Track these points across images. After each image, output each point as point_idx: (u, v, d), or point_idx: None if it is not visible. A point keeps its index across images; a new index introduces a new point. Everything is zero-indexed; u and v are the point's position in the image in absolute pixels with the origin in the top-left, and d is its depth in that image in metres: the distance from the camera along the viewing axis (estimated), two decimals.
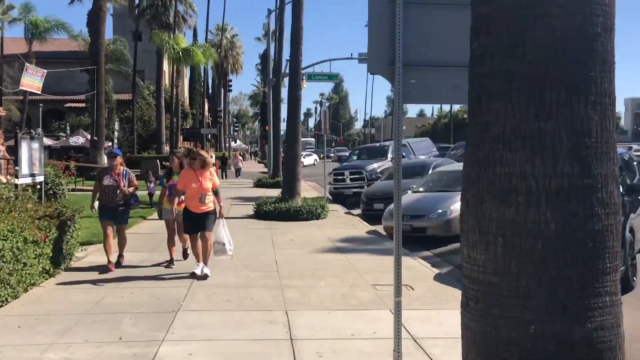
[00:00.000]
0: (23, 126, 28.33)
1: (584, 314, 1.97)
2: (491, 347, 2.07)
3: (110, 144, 30.32)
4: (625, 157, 9.10)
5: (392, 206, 11.78)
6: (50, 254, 6.89)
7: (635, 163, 9.35)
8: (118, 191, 7.49)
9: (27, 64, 20.87)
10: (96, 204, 7.61)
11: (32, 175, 9.74)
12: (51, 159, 22.44)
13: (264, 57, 49.34)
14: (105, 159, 18.11)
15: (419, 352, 4.61)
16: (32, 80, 19.52)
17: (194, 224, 7.15)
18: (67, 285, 6.74)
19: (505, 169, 2.02)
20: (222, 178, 30.30)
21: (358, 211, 14.90)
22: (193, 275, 7.06)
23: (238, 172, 32.21)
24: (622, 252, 6.15)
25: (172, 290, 6.56)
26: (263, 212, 13.46)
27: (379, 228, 11.67)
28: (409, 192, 12.84)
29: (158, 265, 7.88)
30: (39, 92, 20.20)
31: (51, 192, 11.93)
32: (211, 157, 19.37)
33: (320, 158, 49.39)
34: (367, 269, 7.74)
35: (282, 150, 26.66)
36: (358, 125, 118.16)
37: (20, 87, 20.50)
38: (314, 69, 27.40)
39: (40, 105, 28.15)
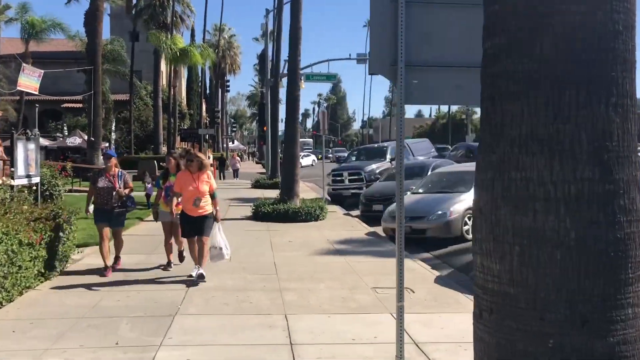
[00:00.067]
0: (19, 126, 28.18)
1: (606, 327, 1.88)
2: None
3: (107, 144, 30.19)
4: None
5: (391, 207, 11.75)
6: (46, 257, 6.79)
7: None
8: (114, 193, 7.35)
9: (24, 64, 20.75)
10: (91, 207, 7.49)
11: (28, 176, 9.62)
12: (48, 159, 22.32)
13: (262, 57, 49.22)
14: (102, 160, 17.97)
15: (421, 357, 4.54)
16: (29, 80, 19.40)
17: (191, 228, 7.03)
18: (62, 288, 6.63)
19: (522, 173, 1.93)
20: (220, 179, 30.20)
21: (357, 212, 14.83)
22: (190, 278, 6.96)
23: (236, 172, 32.10)
24: None
25: (169, 293, 6.47)
26: (261, 214, 13.37)
27: (378, 229, 11.60)
28: (409, 193, 12.76)
29: (155, 268, 7.79)
30: (36, 93, 20.07)
31: (47, 193, 11.81)
32: (209, 158, 19.16)
33: (318, 159, 49.34)
34: (366, 271, 7.66)
35: (280, 151, 26.62)
36: (356, 125, 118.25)
37: (18, 88, 20.37)
38: (312, 69, 27.35)
39: (37, 105, 27.97)
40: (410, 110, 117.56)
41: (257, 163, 55.79)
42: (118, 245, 7.72)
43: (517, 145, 1.95)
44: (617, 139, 1.91)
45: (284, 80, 25.63)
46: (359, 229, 12.10)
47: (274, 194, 16.89)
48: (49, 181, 12.16)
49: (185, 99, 53.30)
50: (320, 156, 49.41)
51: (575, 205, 1.88)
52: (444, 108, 60.99)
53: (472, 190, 9.58)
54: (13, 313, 5.61)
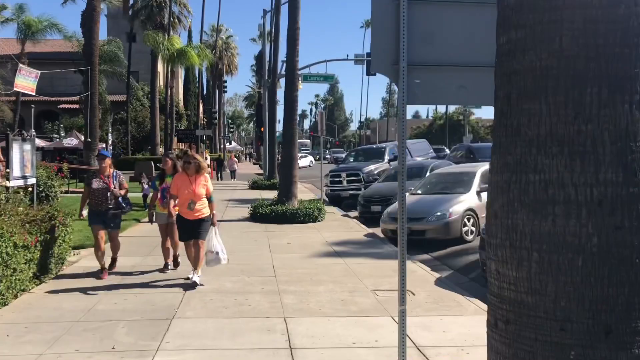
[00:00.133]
0: (15, 127, 28.02)
1: (631, 339, 1.79)
2: None
3: (104, 145, 30.04)
4: None
5: (390, 208, 11.70)
6: (42, 259, 6.69)
7: None
8: (108, 194, 7.21)
9: (20, 65, 20.62)
10: (85, 212, 7.34)
11: (24, 177, 9.53)
12: (44, 160, 22.17)
13: (259, 58, 49.18)
14: None
15: None
16: (26, 81, 19.28)
17: (188, 231, 6.91)
18: (58, 291, 6.53)
19: (541, 176, 1.84)
20: (218, 179, 30.11)
21: (355, 213, 14.77)
22: (187, 281, 6.87)
23: (233, 173, 32.02)
24: None
25: (166, 296, 6.38)
26: (259, 215, 13.29)
27: (377, 231, 11.53)
28: (407, 194, 12.70)
29: (152, 270, 7.69)
30: (33, 94, 19.94)
31: (43, 194, 11.70)
32: (206, 159, 19.08)
33: (316, 159, 49.27)
34: (366, 273, 7.59)
35: (277, 151, 26.53)
36: (353, 126, 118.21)
37: (14, 89, 20.24)
38: (310, 70, 27.26)
39: (32, 106, 27.81)
40: (408, 111, 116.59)
41: (254, 164, 55.71)
42: (115, 248, 7.59)
43: (535, 145, 1.86)
44: None
45: (282, 81, 25.59)
46: (358, 230, 12.03)
47: (271, 194, 16.80)
48: (45, 182, 12.05)
49: (182, 100, 53.16)
50: (317, 157, 49.36)
51: (598, 209, 1.79)
52: (441, 109, 61.06)
53: (472, 191, 9.54)
54: (7, 317, 5.51)
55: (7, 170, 9.77)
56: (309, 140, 78.45)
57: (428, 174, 13.94)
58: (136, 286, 6.83)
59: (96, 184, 7.22)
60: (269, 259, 8.69)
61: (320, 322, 5.41)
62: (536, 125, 1.86)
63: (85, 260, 8.18)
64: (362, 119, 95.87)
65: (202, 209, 6.90)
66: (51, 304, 5.99)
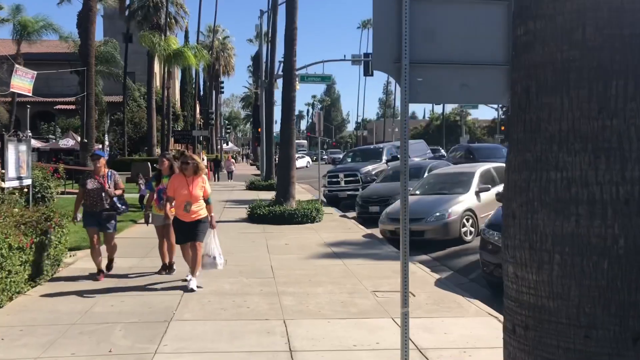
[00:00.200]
0: (11, 128, 27.85)
1: None
2: None
3: (100, 146, 29.91)
4: None
5: (388, 209, 11.64)
6: (37, 261, 6.60)
7: None
8: (103, 194, 7.07)
9: (17, 66, 20.49)
10: (79, 214, 7.18)
11: (19, 178, 9.43)
12: (40, 161, 22.04)
13: (256, 58, 49.09)
14: None
15: None
16: (22, 82, 19.14)
17: (185, 233, 6.74)
18: (54, 293, 6.43)
19: (563, 173, 1.74)
20: (215, 180, 30.00)
21: (353, 214, 14.71)
22: (185, 282, 6.77)
23: (230, 174, 31.93)
24: None
25: (164, 298, 6.30)
26: (257, 216, 13.22)
27: (375, 231, 11.48)
28: None
29: (150, 272, 7.59)
30: (30, 94, 19.80)
31: (39, 195, 11.60)
32: (203, 160, 18.98)
33: (313, 160, 49.19)
34: (365, 274, 7.52)
35: (275, 152, 26.46)
36: (350, 127, 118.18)
37: (11, 90, 20.10)
38: (307, 70, 27.18)
39: (28, 106, 27.62)
40: None
41: (251, 164, 55.61)
42: (111, 250, 7.43)
43: (556, 142, 1.76)
44: None
45: (279, 82, 25.51)
46: (356, 231, 11.97)
47: (269, 195, 16.73)
48: (41, 183, 11.95)
49: (178, 101, 53.03)
50: (315, 158, 49.29)
51: (625, 208, 1.70)
52: (438, 109, 61.07)
53: (471, 191, 9.48)
54: (2, 319, 5.41)
55: (3, 171, 9.67)
56: (305, 141, 78.27)
57: (426, 174, 13.88)
58: (133, 288, 6.74)
59: (91, 184, 7.09)
60: (267, 260, 8.61)
61: (320, 324, 5.34)
62: (557, 121, 1.77)
63: (82, 262, 8.09)
64: (359, 120, 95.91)
65: (199, 211, 6.73)
66: (47, 307, 5.90)
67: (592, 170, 1.73)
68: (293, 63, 14.90)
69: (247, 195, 20.25)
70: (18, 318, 5.48)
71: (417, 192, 12.06)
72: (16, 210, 7.08)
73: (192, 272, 6.71)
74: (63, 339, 4.86)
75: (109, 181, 7.19)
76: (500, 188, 11.26)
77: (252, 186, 23.73)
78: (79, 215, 7.18)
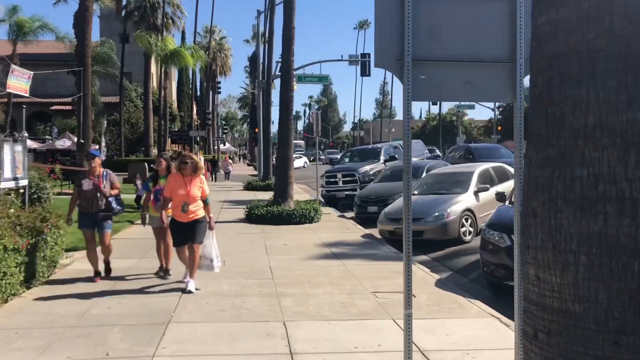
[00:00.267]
0: (7, 129, 27.68)
1: None
2: None
3: (97, 146, 29.76)
4: None
5: (387, 209, 11.58)
6: (33, 262, 6.50)
7: None
8: (98, 194, 6.94)
9: (12, 66, 20.33)
10: (73, 217, 7.05)
11: (15, 179, 9.32)
12: (36, 162, 21.90)
13: (253, 59, 48.98)
14: None
15: None
16: (19, 82, 18.98)
17: (182, 235, 6.57)
18: (50, 295, 6.34)
19: (589, 170, 1.65)
20: (212, 181, 29.89)
21: (351, 214, 14.66)
22: (182, 284, 6.67)
23: (227, 174, 31.81)
24: None
25: (162, 299, 6.21)
26: (255, 216, 13.14)
27: (374, 231, 11.42)
28: None
29: (147, 273, 7.50)
30: (27, 95, 19.65)
31: (35, 196, 11.48)
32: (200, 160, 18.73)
33: (310, 160, 49.11)
34: (365, 275, 7.46)
35: (272, 152, 26.36)
36: (347, 127, 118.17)
37: (7, 90, 19.94)
38: (304, 70, 27.09)
39: (24, 106, 27.47)
40: (401, 112, 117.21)
41: (248, 165, 55.48)
42: (106, 252, 7.21)
43: (581, 137, 1.67)
44: None
45: (276, 82, 25.42)
46: (355, 231, 11.90)
47: (266, 195, 16.65)
48: (37, 184, 11.83)
49: (175, 101, 52.87)
50: (312, 158, 49.18)
51: None
52: (434, 109, 61.05)
53: (469, 191, 9.40)
54: None
55: None
56: (303, 142, 78.32)
57: (424, 174, 13.83)
58: (131, 289, 6.66)
59: (86, 184, 6.96)
60: (265, 260, 8.54)
61: (321, 326, 5.27)
62: (583, 114, 1.67)
63: (79, 263, 7.99)
64: (356, 120, 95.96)
65: (197, 211, 6.58)
66: (42, 309, 5.81)
67: (621, 166, 1.64)
68: (291, 63, 14.83)
69: (244, 195, 20.17)
70: (13, 320, 5.39)
71: (416, 192, 12.01)
72: (12, 211, 6.98)
73: (191, 274, 6.60)
74: (59, 342, 4.78)
75: (105, 181, 7.05)
76: (499, 188, 11.20)
77: (249, 186, 23.64)
78: (73, 217, 7.03)
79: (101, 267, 7.28)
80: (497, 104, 49.86)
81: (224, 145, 64.89)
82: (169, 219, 6.76)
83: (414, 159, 18.97)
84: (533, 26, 1.84)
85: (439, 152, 34.44)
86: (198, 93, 62.05)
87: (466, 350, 4.64)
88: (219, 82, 53.80)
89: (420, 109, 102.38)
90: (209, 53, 51.67)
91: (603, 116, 1.67)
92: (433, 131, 61.15)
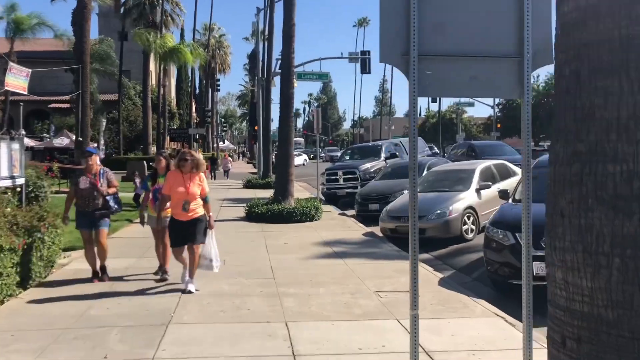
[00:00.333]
0: (4, 127, 27.54)
1: None
2: None
3: (95, 144, 29.63)
4: None
5: (389, 207, 11.49)
6: (30, 262, 6.39)
7: None
8: (95, 193, 6.78)
9: (11, 64, 20.18)
10: (69, 216, 6.90)
11: (12, 177, 9.21)
12: (34, 160, 21.76)
13: (252, 56, 48.86)
14: None
15: None
16: (17, 80, 18.84)
17: (181, 234, 6.39)
18: (47, 296, 6.22)
19: (622, 166, 1.54)
20: (212, 179, 29.78)
21: (352, 212, 14.56)
22: (181, 284, 6.55)
23: (227, 172, 31.69)
24: None
25: (162, 300, 6.11)
26: (255, 214, 13.04)
27: (375, 229, 11.34)
28: (405, 192, 12.52)
29: (147, 273, 7.38)
30: (25, 93, 19.51)
31: (32, 195, 11.36)
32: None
33: (310, 158, 49.01)
34: (367, 274, 7.36)
35: (272, 150, 26.25)
36: (346, 125, 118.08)
37: (5, 88, 19.79)
38: (304, 68, 26.97)
39: (21, 104, 27.27)
40: (400, 110, 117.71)
41: (247, 163, 55.37)
42: (102, 253, 6.95)
43: (614, 130, 1.56)
44: None
45: (276, 80, 25.29)
46: (356, 229, 11.81)
47: (266, 194, 16.55)
48: (34, 182, 11.71)
49: (174, 99, 52.74)
50: (312, 155, 49.06)
51: None
52: (434, 107, 60.89)
53: (471, 189, 9.26)
54: None
55: None
56: (302, 139, 78.17)
57: (425, 172, 13.73)
58: (130, 290, 6.55)
59: (83, 183, 6.79)
60: (266, 259, 8.44)
61: (324, 327, 5.18)
62: (615, 106, 1.56)
63: (76, 263, 7.88)
64: (355, 118, 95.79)
65: (196, 209, 6.40)
66: (39, 310, 5.70)
67: None
68: (291, 60, 14.72)
69: (244, 193, 20.08)
70: (9, 322, 5.29)
71: (417, 189, 11.92)
72: (8, 210, 6.87)
73: (190, 274, 6.49)
74: (56, 344, 4.68)
75: (102, 179, 6.89)
76: (501, 185, 11.12)
77: (249, 184, 23.54)
78: (69, 216, 6.87)
79: (99, 267, 7.15)
80: (496, 101, 49.83)
81: (223, 143, 64.77)
82: (168, 219, 6.59)
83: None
84: (558, 14, 1.73)
85: (436, 150, 34.30)
86: (197, 91, 61.90)
87: (472, 351, 4.55)
88: (218, 80, 53.67)
89: (420, 106, 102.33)
90: (208, 51, 51.52)
91: (638, 108, 1.55)
92: (432, 129, 61.01)
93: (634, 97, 1.56)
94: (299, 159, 45.05)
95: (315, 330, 5.07)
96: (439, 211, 10.34)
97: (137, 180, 14.92)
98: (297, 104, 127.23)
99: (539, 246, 5.95)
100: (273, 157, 26.45)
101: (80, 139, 24.19)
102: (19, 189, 9.55)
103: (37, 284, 6.64)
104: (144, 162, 24.12)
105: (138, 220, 7.76)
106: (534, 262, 3.56)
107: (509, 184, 11.09)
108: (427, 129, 64.88)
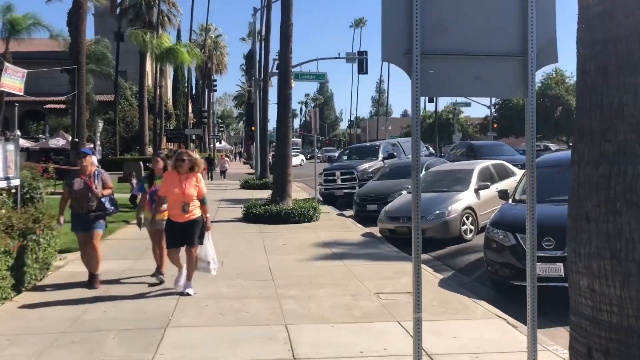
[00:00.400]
0: None
1: None
2: None
3: (91, 145, 29.49)
4: None
5: (387, 207, 11.44)
6: (25, 265, 6.30)
7: None
8: (89, 195, 6.65)
9: (6, 64, 20.06)
10: (63, 218, 6.77)
11: (7, 178, 9.11)
12: (29, 161, 21.62)
13: (249, 57, 48.71)
14: None
15: None
16: (13, 80, 18.71)
17: (177, 236, 6.28)
18: (43, 299, 6.13)
19: None
20: (208, 179, 29.66)
21: (350, 212, 14.50)
22: (177, 287, 6.48)
23: (223, 173, 31.57)
24: None
25: (159, 302, 6.03)
26: (252, 215, 12.96)
27: (374, 230, 11.28)
28: (404, 192, 12.47)
29: (144, 275, 7.28)
30: (21, 94, 19.37)
31: (28, 196, 11.25)
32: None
33: (307, 158, 48.93)
34: (366, 275, 7.30)
35: (269, 150, 26.16)
36: (343, 125, 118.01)
37: (1, 88, 19.64)
38: (301, 68, 26.92)
39: (16, 105, 27.12)
40: (397, 110, 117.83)
41: (244, 163, 55.26)
42: (93, 259, 6.71)
43: None
44: None
45: (273, 80, 25.22)
46: (354, 230, 11.75)
47: (263, 194, 16.47)
48: (30, 184, 11.60)
49: (171, 100, 52.58)
50: (309, 156, 48.97)
51: None
52: (430, 107, 60.84)
53: (470, 189, 9.19)
54: None
55: None
56: (299, 139, 78.09)
57: (423, 172, 13.69)
58: (127, 292, 6.46)
59: (77, 184, 6.66)
60: (265, 261, 8.37)
61: (324, 329, 5.11)
62: None
63: (72, 265, 7.79)
64: (352, 118, 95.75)
65: (193, 210, 6.30)
66: (35, 314, 5.61)
67: None
68: (289, 60, 14.64)
69: (241, 194, 19.98)
70: (4, 326, 5.20)
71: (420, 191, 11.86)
72: (3, 211, 6.78)
73: (188, 276, 6.40)
74: (52, 349, 4.60)
75: (96, 181, 6.74)
76: (500, 185, 11.08)
77: (246, 185, 23.45)
78: (63, 218, 6.74)
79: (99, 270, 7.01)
80: (493, 101, 49.86)
81: (220, 143, 64.60)
82: (164, 222, 6.49)
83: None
84: (580, 7, 1.65)
85: (432, 150, 34.24)
86: (194, 91, 61.74)
87: (475, 354, 4.50)
88: (215, 80, 53.61)
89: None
90: (204, 51, 51.40)
91: None
92: (429, 129, 61.01)
93: None
94: (296, 160, 44.98)
95: (316, 333, 5.01)
96: (437, 211, 10.29)
97: (134, 181, 14.81)
98: (294, 105, 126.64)
99: (540, 247, 5.92)
100: (270, 157, 26.37)
101: (77, 140, 24.05)
102: (14, 191, 9.44)
103: (32, 287, 6.55)
104: (141, 162, 24.02)
105: (134, 221, 7.66)
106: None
107: (507, 184, 11.06)
108: (424, 129, 64.84)
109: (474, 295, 6.45)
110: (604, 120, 1.57)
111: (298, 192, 19.46)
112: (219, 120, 76.94)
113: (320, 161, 42.88)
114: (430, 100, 49.85)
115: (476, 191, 10.97)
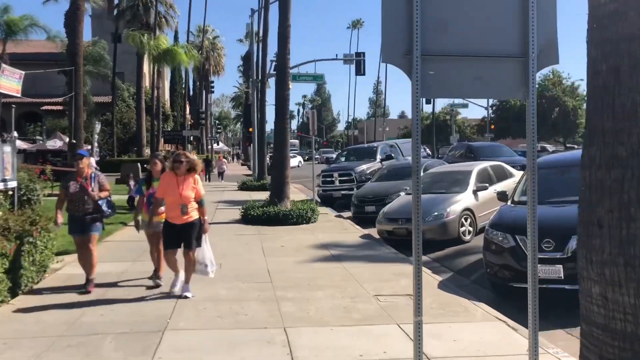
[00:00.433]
0: None
1: None
2: None
3: (89, 147, 29.41)
4: None
5: (386, 209, 11.41)
6: (21, 268, 6.25)
7: None
8: (86, 197, 6.56)
9: (3, 66, 19.96)
10: (60, 219, 6.65)
11: (4, 180, 9.05)
12: (25, 163, 21.52)
13: (247, 58, 48.73)
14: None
15: None
16: (10, 82, 18.60)
17: (175, 238, 6.24)
18: (39, 302, 6.08)
19: None
20: (206, 181, 29.60)
21: (348, 214, 14.47)
22: (173, 290, 6.44)
23: (221, 174, 31.49)
24: None
25: (157, 305, 5.99)
26: (250, 217, 12.92)
27: (372, 231, 11.25)
28: (402, 193, 12.45)
29: (141, 277, 7.24)
30: (19, 95, 19.29)
31: (25, 198, 11.20)
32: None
33: (305, 160, 48.89)
34: (365, 277, 7.27)
35: (267, 152, 26.12)
36: (341, 127, 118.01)
37: None
38: (299, 69, 26.88)
39: (13, 106, 26.97)
40: (394, 112, 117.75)
41: (242, 164, 55.18)
42: (89, 262, 6.67)
43: None
44: None
45: (271, 81, 25.18)
46: (353, 232, 11.71)
47: (261, 196, 16.43)
48: (27, 185, 11.54)
49: (168, 101, 52.51)
50: (307, 157, 48.93)
51: None
52: (427, 108, 60.85)
53: (468, 190, 9.17)
54: None
55: None
56: (297, 141, 78.05)
57: (421, 173, 13.67)
58: (124, 295, 6.41)
59: (73, 187, 6.58)
60: (263, 263, 8.33)
61: (323, 332, 5.08)
62: None
63: (70, 268, 7.74)
64: (350, 119, 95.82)
65: (191, 212, 6.25)
66: (31, 317, 5.56)
67: None
68: (287, 61, 14.61)
69: (239, 195, 19.93)
70: (1, 330, 5.15)
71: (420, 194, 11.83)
72: (0, 213, 6.73)
73: (186, 279, 6.36)
74: (49, 353, 4.55)
75: (93, 183, 6.66)
76: (498, 187, 11.06)
77: (244, 186, 23.40)
78: (60, 219, 6.64)
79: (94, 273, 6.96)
80: (490, 102, 49.90)
81: (217, 144, 64.50)
82: (161, 224, 6.43)
83: (409, 158, 18.82)
84: (591, 6, 1.62)
85: (429, 152, 34.25)
86: (191, 93, 61.66)
87: (475, 357, 4.47)
88: (212, 82, 53.41)
89: None
90: (202, 52, 51.28)
91: None
92: (426, 130, 61.09)
93: None
94: (294, 161, 44.91)
95: (315, 336, 4.97)
96: (436, 213, 10.26)
97: (132, 182, 14.74)
98: (291, 106, 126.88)
99: (539, 248, 5.90)
100: (268, 159, 26.33)
101: (74, 142, 23.97)
102: (11, 192, 9.38)
103: (29, 290, 6.50)
104: (138, 164, 23.93)
105: (132, 223, 7.61)
106: None
107: (506, 185, 11.04)
108: (421, 131, 64.94)
109: (474, 297, 6.42)
110: (616, 122, 1.53)
111: (296, 193, 19.42)
112: (217, 122, 76.80)
113: (318, 162, 42.89)
114: (428, 102, 49.86)
115: (475, 192, 10.95)
